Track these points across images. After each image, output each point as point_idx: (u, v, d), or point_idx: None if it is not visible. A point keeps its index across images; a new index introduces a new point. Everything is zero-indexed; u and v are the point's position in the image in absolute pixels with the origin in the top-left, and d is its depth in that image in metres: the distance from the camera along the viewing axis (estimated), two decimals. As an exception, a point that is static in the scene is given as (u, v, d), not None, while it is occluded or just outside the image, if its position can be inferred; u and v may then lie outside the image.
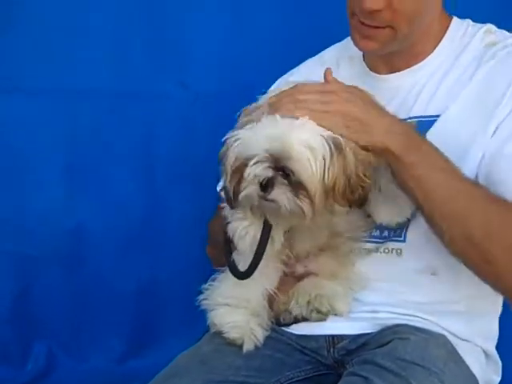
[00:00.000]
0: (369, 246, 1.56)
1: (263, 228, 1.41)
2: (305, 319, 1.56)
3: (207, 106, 2.19)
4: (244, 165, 1.34)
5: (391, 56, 1.59)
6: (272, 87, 1.78)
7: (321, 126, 1.32)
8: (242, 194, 1.37)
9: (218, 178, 1.77)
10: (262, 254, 1.42)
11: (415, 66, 1.59)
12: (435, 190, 1.35)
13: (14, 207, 2.21)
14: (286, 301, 1.58)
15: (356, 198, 1.35)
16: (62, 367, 2.26)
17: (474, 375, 1.50)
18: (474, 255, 1.36)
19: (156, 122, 2.22)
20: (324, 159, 1.31)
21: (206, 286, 1.61)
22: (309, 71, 1.72)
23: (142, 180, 2.24)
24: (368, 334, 1.53)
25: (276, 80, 1.80)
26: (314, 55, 1.80)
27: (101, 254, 2.25)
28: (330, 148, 1.31)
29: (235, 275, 1.49)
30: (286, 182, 1.32)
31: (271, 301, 1.58)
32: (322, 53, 1.79)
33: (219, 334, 1.57)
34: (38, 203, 2.21)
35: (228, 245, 1.50)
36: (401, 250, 1.54)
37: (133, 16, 2.18)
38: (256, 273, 1.47)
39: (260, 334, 1.54)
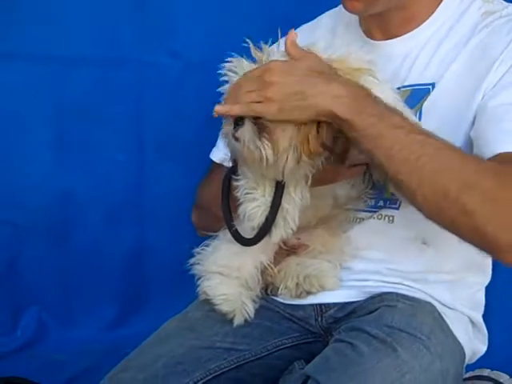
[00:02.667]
0: (363, 214, 1.56)
1: (275, 191, 1.38)
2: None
3: (197, 74, 2.17)
4: None
5: (385, 21, 1.57)
6: None
7: (257, 117, 1.31)
8: (221, 132, 1.38)
9: (210, 151, 1.79)
10: (274, 218, 1.38)
11: (410, 33, 1.57)
12: (395, 146, 1.28)
13: (2, 176, 2.20)
14: (273, 274, 1.59)
15: (339, 149, 1.33)
16: (51, 334, 2.26)
17: (460, 343, 1.50)
18: (451, 210, 1.27)
19: (145, 90, 2.20)
20: None
21: (198, 249, 1.61)
22: (301, 38, 1.69)
23: (130, 148, 2.23)
24: (356, 301, 1.54)
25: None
26: (304, 22, 1.77)
27: (89, 222, 2.24)
28: None
29: (239, 241, 1.46)
30: (256, 121, 1.31)
31: (262, 271, 1.58)
32: (317, 19, 1.77)
33: (208, 301, 1.57)
34: (26, 172, 2.20)
35: (229, 212, 1.48)
36: (393, 217, 1.54)
37: (122, -17, 2.17)
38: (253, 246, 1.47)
39: (251, 309, 1.55)
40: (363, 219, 1.56)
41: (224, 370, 1.52)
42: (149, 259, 2.28)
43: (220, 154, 1.75)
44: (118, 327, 2.28)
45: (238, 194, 1.41)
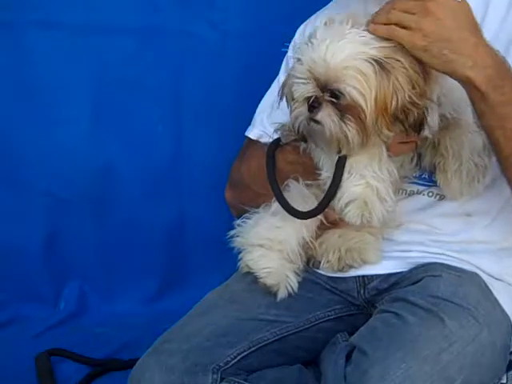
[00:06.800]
0: (413, 187, 1.54)
1: (337, 163, 1.36)
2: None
3: (235, 45, 2.17)
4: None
5: None
6: (297, 32, 1.75)
7: (400, 43, 1.26)
8: (292, 115, 1.36)
9: (248, 121, 1.77)
10: (334, 193, 1.37)
11: None
12: None
13: (42, 147, 2.21)
14: (314, 247, 1.57)
15: (411, 121, 1.30)
16: (92, 308, 2.29)
17: (507, 314, 1.47)
18: None
19: (184, 60, 2.20)
20: (369, 79, 1.27)
21: (238, 222, 1.59)
22: (336, 11, 1.66)
23: (169, 119, 2.24)
24: (399, 272, 1.52)
25: (305, 19, 1.75)
26: None
27: (130, 194, 2.25)
28: (375, 68, 1.27)
29: (293, 214, 1.46)
30: (333, 102, 1.30)
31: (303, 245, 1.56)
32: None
33: (251, 274, 1.56)
34: (66, 144, 2.21)
35: (277, 185, 1.48)
36: (444, 196, 1.51)
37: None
38: (296, 220, 1.47)
39: (294, 282, 1.54)
40: (413, 193, 1.54)
41: (267, 341, 1.51)
42: (189, 232, 2.28)
43: (256, 130, 1.74)
44: (159, 301, 2.30)
45: (326, 187, 1.40)
